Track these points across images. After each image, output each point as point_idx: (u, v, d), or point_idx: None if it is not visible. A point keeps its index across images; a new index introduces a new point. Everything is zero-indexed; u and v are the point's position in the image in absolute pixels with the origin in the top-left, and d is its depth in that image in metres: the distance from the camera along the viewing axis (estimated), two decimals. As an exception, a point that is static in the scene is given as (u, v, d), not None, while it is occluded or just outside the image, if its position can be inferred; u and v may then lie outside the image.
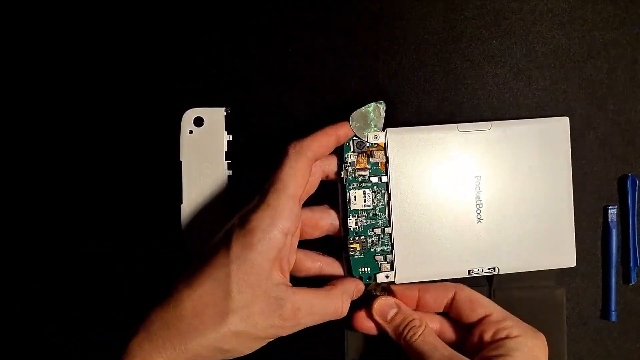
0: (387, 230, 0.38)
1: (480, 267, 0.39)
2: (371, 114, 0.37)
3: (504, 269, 0.39)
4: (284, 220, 0.32)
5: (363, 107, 0.37)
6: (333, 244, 0.39)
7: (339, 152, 0.37)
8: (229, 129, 0.41)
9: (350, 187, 0.38)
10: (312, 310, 0.33)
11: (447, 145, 0.38)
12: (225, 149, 0.41)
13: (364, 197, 0.38)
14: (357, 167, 0.38)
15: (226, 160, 0.41)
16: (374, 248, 0.38)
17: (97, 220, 0.42)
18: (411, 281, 0.38)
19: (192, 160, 0.41)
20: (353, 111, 0.41)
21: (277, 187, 0.33)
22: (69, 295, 0.42)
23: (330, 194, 0.39)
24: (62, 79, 0.42)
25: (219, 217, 0.41)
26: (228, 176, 0.41)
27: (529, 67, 0.42)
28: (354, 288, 0.37)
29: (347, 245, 0.38)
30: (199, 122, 0.41)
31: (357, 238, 0.38)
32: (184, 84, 0.42)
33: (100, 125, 0.42)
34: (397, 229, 0.38)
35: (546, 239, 0.39)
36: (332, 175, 0.38)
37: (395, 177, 0.38)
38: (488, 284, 0.41)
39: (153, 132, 0.42)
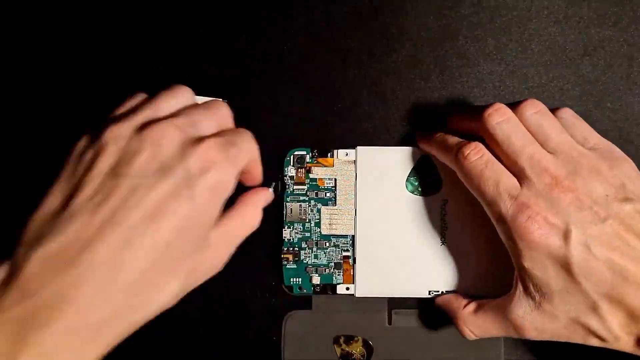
0: (321, 244, 0.40)
1: (441, 289, 0.39)
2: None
3: (464, 292, 0.39)
4: None
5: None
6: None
7: (279, 164, 0.40)
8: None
9: (288, 199, 0.40)
10: (231, 241, 0.33)
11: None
12: None
13: (300, 210, 0.40)
14: (296, 181, 0.40)
15: None
16: (306, 260, 0.40)
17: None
18: (370, 295, 0.39)
19: None
20: (350, 110, 0.41)
21: None
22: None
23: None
24: (62, 78, 0.42)
25: None
26: None
27: (525, 65, 0.42)
28: (264, 199, 0.36)
29: (281, 255, 0.40)
30: None
31: (290, 249, 0.39)
32: (186, 77, 0.41)
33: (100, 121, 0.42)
34: (360, 244, 0.39)
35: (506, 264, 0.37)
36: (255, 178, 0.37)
37: (362, 194, 0.39)
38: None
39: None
